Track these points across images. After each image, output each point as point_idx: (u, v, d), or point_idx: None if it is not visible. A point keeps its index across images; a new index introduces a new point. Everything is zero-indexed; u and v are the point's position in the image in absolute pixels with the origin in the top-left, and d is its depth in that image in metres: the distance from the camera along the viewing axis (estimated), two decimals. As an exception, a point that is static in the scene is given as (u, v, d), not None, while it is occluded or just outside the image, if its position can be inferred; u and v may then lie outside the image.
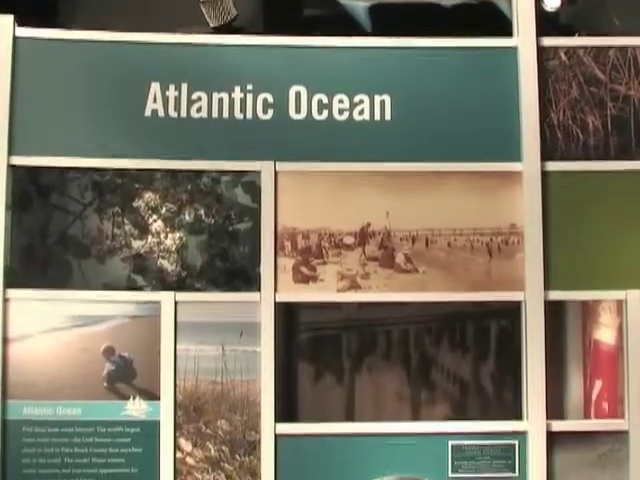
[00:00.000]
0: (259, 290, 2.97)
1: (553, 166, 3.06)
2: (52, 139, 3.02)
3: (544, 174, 3.05)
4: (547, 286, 3.02)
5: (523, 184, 3.03)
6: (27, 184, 3.01)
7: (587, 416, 3.09)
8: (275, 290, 2.97)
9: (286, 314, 3.00)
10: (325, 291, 2.99)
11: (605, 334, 3.41)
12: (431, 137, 3.04)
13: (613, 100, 3.11)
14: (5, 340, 2.96)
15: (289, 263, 2.99)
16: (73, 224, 3.00)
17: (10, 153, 3.01)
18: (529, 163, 3.03)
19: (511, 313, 3.05)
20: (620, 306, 3.09)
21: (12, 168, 3.01)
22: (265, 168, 3.00)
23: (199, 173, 3.05)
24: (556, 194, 3.05)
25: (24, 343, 2.98)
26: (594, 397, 3.41)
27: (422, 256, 3.01)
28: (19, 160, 3.01)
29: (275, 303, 2.97)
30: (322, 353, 3.03)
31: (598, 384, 3.39)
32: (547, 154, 3.07)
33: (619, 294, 3.05)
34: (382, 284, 3.00)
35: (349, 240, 3.00)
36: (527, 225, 3.02)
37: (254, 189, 3.00)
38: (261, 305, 2.96)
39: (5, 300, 2.96)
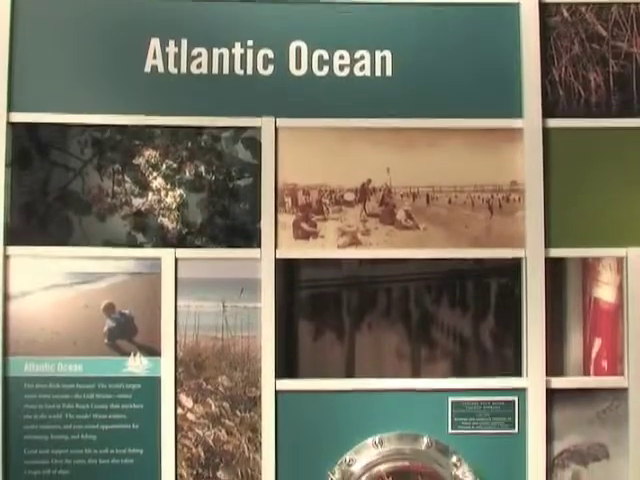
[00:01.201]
0: (259, 246, 2.92)
1: (554, 123, 3.00)
2: (51, 95, 2.97)
3: (545, 131, 2.99)
4: (548, 243, 2.97)
5: (524, 141, 2.96)
6: (26, 141, 2.94)
7: (586, 374, 3.05)
8: (275, 246, 2.92)
9: (286, 271, 2.95)
10: (325, 247, 2.94)
11: (605, 292, 3.36)
12: (432, 93, 2.99)
13: (615, 57, 3.05)
14: (5, 297, 2.92)
15: (289, 219, 2.94)
16: (73, 181, 2.94)
17: (9, 110, 2.92)
18: (530, 120, 2.98)
19: (511, 271, 3.00)
20: (620, 264, 3.03)
21: (11, 125, 2.92)
22: (266, 124, 2.94)
23: (199, 130, 2.99)
24: (557, 151, 3.00)
25: (24, 300, 2.94)
26: (594, 355, 3.37)
27: (423, 213, 2.95)
28: (18, 117, 2.96)
29: (275, 259, 2.91)
30: (322, 310, 2.98)
31: (598, 342, 3.35)
32: (548, 111, 3.02)
33: (620, 251, 3.00)
34: (382, 240, 2.94)
35: (349, 196, 2.95)
36: (528, 182, 2.96)
37: (254, 145, 2.94)
38: (261, 261, 2.91)
39: (5, 257, 2.92)
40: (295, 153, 2.97)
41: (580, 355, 3.47)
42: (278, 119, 2.97)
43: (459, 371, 3.03)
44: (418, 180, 2.98)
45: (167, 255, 2.95)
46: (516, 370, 3.02)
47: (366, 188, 2.97)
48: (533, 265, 2.95)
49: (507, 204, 2.99)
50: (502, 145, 3.00)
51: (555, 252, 2.99)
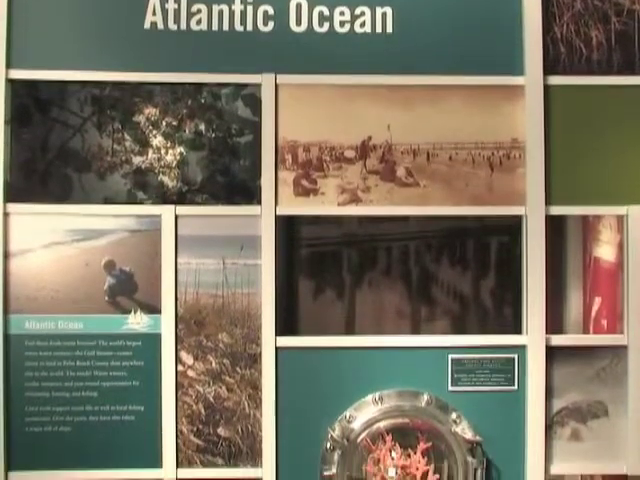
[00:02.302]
0: (260, 203, 2.88)
1: (556, 80, 2.96)
2: (50, 52, 2.92)
3: (546, 88, 2.95)
4: (548, 201, 2.93)
5: (525, 98, 2.91)
6: (25, 98, 2.89)
7: (586, 332, 3.03)
8: (276, 203, 2.88)
9: (287, 228, 2.90)
10: (326, 204, 2.90)
11: (605, 251, 3.32)
12: (433, 50, 2.94)
13: (617, 14, 2.99)
14: (6, 255, 2.88)
15: (290, 176, 2.89)
16: (73, 138, 2.90)
17: (8, 67, 2.87)
18: (531, 77, 2.93)
19: (511, 229, 2.96)
20: (621, 223, 2.98)
21: (10, 82, 2.88)
22: (266, 81, 2.89)
23: (199, 88, 2.94)
24: (558, 108, 2.95)
25: (25, 257, 2.90)
26: (593, 314, 3.33)
27: (423, 170, 2.91)
28: (17, 74, 2.91)
29: (276, 216, 2.87)
30: (323, 268, 2.95)
31: (597, 301, 3.31)
32: (550, 68, 2.97)
33: (620, 209, 2.95)
34: (383, 198, 2.90)
35: (350, 153, 2.90)
36: (529, 139, 2.92)
37: (254, 102, 2.89)
38: (262, 218, 2.87)
39: (5, 214, 2.89)
40: (295, 110, 2.93)
41: (580, 314, 3.43)
42: (278, 76, 2.93)
43: (459, 329, 3.00)
44: (419, 137, 2.94)
45: (167, 212, 2.91)
46: (516, 328, 2.98)
47: (366, 145, 2.93)
48: (533, 222, 2.91)
49: (508, 161, 2.94)
50: (503, 102, 2.95)
51: (555, 210, 2.94)
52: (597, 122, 2.98)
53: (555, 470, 3.00)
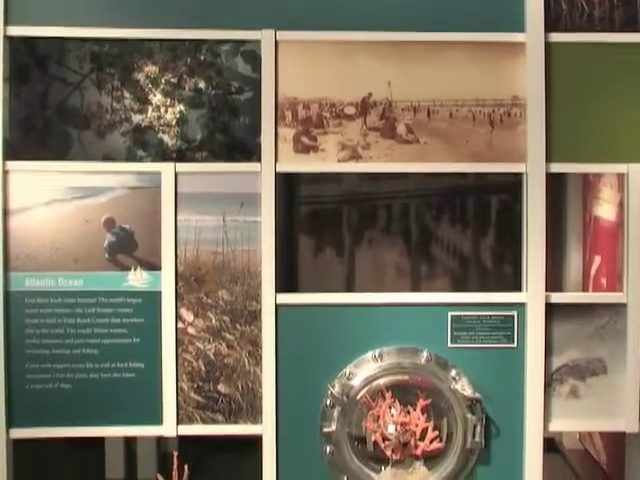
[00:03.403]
0: (259, 160, 2.83)
1: (557, 37, 2.91)
2: (49, 8, 2.88)
3: (547, 45, 2.90)
4: (549, 158, 2.88)
5: (526, 55, 2.86)
6: (24, 55, 2.84)
7: (585, 291, 2.97)
8: (276, 160, 2.84)
9: (287, 186, 2.86)
10: (326, 161, 2.86)
11: (605, 210, 3.29)
12: (434, 6, 2.89)
13: (620, -30, 2.93)
14: (5, 212, 2.85)
15: (290, 133, 2.85)
16: (72, 95, 2.85)
17: (6, 24, 2.82)
18: (532, 34, 2.88)
19: (512, 187, 2.91)
20: (621, 181, 2.94)
21: (8, 39, 2.82)
22: (265, 37, 2.85)
23: (198, 46, 2.89)
24: (559, 66, 2.91)
25: (25, 215, 2.87)
26: (593, 272, 3.30)
27: (423, 127, 2.86)
28: (15, 31, 2.86)
29: (275, 173, 2.82)
30: (323, 226, 2.90)
31: (597, 260, 3.28)
32: (551, 25, 2.92)
33: (621, 167, 2.90)
34: (383, 154, 2.85)
35: (350, 110, 2.86)
36: (530, 97, 2.88)
37: (254, 59, 2.85)
38: (261, 175, 2.83)
39: (5, 172, 2.84)
40: (295, 66, 2.88)
41: (579, 273, 3.41)
42: (278, 32, 2.89)
43: (459, 286, 2.96)
44: (419, 94, 2.89)
45: (167, 169, 2.87)
46: (516, 285, 2.94)
47: (367, 102, 2.88)
48: (534, 180, 2.88)
49: (508, 118, 2.90)
50: (504, 59, 2.90)
51: (556, 167, 2.90)
52: (598, 79, 2.93)
53: (554, 427, 2.98)
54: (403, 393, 2.88)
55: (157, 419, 2.89)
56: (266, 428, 2.88)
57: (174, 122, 2.90)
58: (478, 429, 2.86)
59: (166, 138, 2.89)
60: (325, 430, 2.88)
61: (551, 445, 4.50)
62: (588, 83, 2.92)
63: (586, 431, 4.59)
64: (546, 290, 2.90)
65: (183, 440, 3.97)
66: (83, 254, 2.87)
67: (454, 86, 2.89)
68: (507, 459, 2.93)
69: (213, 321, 2.88)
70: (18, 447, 2.91)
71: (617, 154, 2.92)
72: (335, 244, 2.86)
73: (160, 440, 5.09)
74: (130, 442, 5.23)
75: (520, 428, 2.92)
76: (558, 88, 2.91)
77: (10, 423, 2.88)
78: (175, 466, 2.71)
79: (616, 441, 4.23)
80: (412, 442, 2.85)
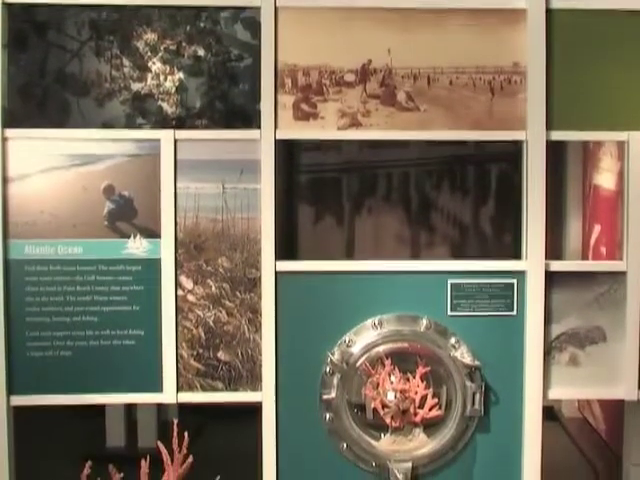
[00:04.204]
0: (259, 127, 2.79)
1: (558, 4, 2.89)
2: (47, -26, 2.78)
3: (548, 12, 2.87)
4: (549, 126, 2.84)
5: (527, 22, 2.83)
6: (22, 22, 2.80)
7: (585, 259, 2.94)
8: (275, 127, 2.80)
9: (287, 154, 2.82)
10: (325, 128, 2.83)
11: (605, 179, 3.25)
12: (434, -28, 2.81)
13: None
14: (5, 180, 2.82)
15: (289, 100, 2.81)
16: (71, 62, 2.81)
17: (4, -10, 2.78)
18: (533, 0, 2.80)
19: (512, 156, 2.88)
20: (621, 150, 2.91)
21: (7, 6, 2.79)
22: (265, 3, 2.82)
23: (198, 13, 2.84)
24: (560, 33, 2.88)
25: (24, 182, 2.84)
26: (592, 242, 3.27)
27: (424, 94, 2.83)
28: (14, -3, 2.79)
29: (275, 140, 2.79)
30: (323, 193, 2.87)
31: (597, 229, 3.25)
32: (552, -9, 2.84)
33: (621, 135, 2.87)
34: (383, 122, 2.82)
35: (350, 77, 2.82)
36: (530, 64, 2.84)
37: (254, 25, 2.81)
38: (261, 142, 2.80)
39: (4, 140, 2.80)
40: (295, 33, 2.84)
41: (579, 242, 3.38)
42: (278, -2, 2.82)
43: (459, 255, 2.93)
44: (419, 61, 2.85)
45: (166, 136, 2.84)
46: (515, 253, 2.91)
47: (366, 69, 2.84)
48: (534, 147, 2.85)
49: (509, 86, 2.86)
50: (505, 26, 2.87)
51: (556, 135, 2.87)
52: (599, 46, 2.90)
53: (553, 395, 2.95)
54: (402, 360, 2.86)
55: (157, 386, 2.87)
56: (266, 395, 2.86)
57: (173, 90, 2.86)
58: (477, 397, 2.84)
59: (165, 106, 2.86)
60: (325, 397, 2.86)
61: (550, 413, 4.50)
62: (589, 50, 2.89)
63: (585, 399, 4.58)
64: (546, 258, 2.85)
65: (183, 409, 3.97)
66: (82, 221, 2.84)
67: (454, 53, 2.86)
68: (506, 427, 2.92)
69: (213, 289, 2.86)
70: (19, 416, 2.88)
71: (618, 122, 2.89)
72: (335, 212, 2.83)
73: (160, 409, 5.09)
74: (130, 411, 5.23)
75: (519, 396, 2.90)
76: (559, 55, 2.88)
77: (10, 390, 2.86)
78: (175, 434, 2.67)
79: (615, 410, 4.22)
80: (411, 409, 2.83)
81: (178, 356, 2.87)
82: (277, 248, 2.84)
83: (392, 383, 2.82)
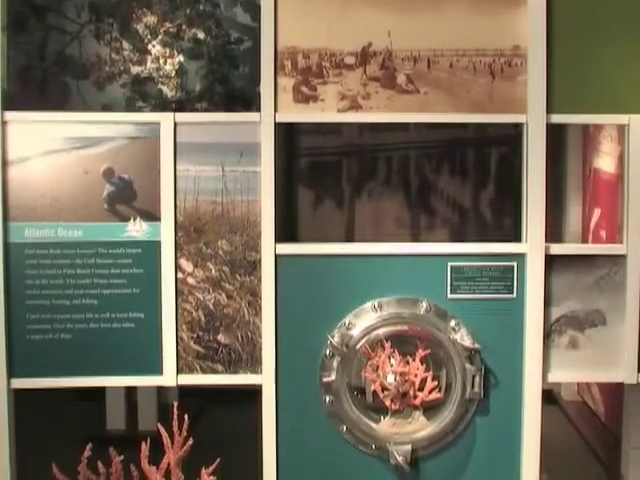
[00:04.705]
0: (259, 110, 2.77)
1: (558, -14, 2.81)
2: (46, -44, 2.76)
3: (549, -6, 2.80)
4: (549, 109, 2.81)
5: (527, 4, 2.80)
6: (22, 4, 2.77)
7: (585, 243, 2.91)
8: (275, 110, 2.78)
9: (287, 137, 2.80)
10: (325, 111, 2.81)
11: (605, 162, 3.23)
12: (434, -46, 2.79)
13: None
14: (4, 163, 2.80)
15: (289, 83, 2.79)
16: (70, 44, 2.79)
17: (3, -28, 2.75)
18: (534, -17, 2.78)
19: (511, 139, 2.86)
20: (622, 133, 2.88)
21: (6, -13, 2.76)
22: (265, -15, 2.76)
23: (197, -6, 2.80)
24: (561, 15, 2.85)
25: (24, 166, 2.83)
26: (592, 225, 3.25)
27: (424, 77, 2.81)
28: (13, -21, 2.76)
29: (275, 123, 2.76)
30: (323, 177, 2.85)
31: (597, 212, 3.23)
32: (552, -26, 2.81)
33: (622, 118, 2.84)
34: (383, 105, 2.80)
35: (350, 60, 2.80)
36: (530, 46, 2.82)
37: (253, 8, 2.80)
38: (261, 125, 2.77)
39: (3, 123, 2.78)
40: (295, 15, 2.82)
41: (579, 225, 3.36)
42: (278, -20, 2.80)
43: (459, 237, 2.91)
44: (419, 43, 2.83)
45: (166, 119, 2.82)
46: (516, 236, 2.89)
47: (367, 51, 2.82)
48: (534, 130, 2.83)
49: (509, 69, 2.83)
50: (505, 8, 2.85)
51: (556, 118, 2.85)
52: (600, 29, 2.88)
53: (552, 378, 2.94)
54: (402, 343, 2.85)
55: (157, 369, 2.86)
56: (266, 378, 2.85)
57: (173, 73, 2.85)
58: (477, 379, 2.83)
59: (165, 89, 2.84)
60: (324, 380, 2.85)
61: (549, 397, 4.49)
62: (590, 33, 2.86)
63: (584, 383, 4.57)
64: (546, 241, 2.83)
65: (183, 391, 3.96)
66: (82, 204, 2.83)
67: (455, 36, 2.83)
68: (506, 409, 2.90)
69: (213, 271, 2.84)
70: (20, 399, 2.87)
71: (618, 105, 2.86)
72: (335, 195, 2.81)
73: (160, 392, 5.08)
74: (131, 394, 5.22)
75: (519, 379, 2.89)
76: (559, 38, 2.85)
77: (11, 373, 2.85)
78: (175, 417, 2.66)
79: (614, 393, 4.21)
80: (411, 392, 2.81)
81: (178, 339, 2.86)
82: (277, 231, 2.82)
83: (392, 366, 2.81)
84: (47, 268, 2.85)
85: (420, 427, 2.88)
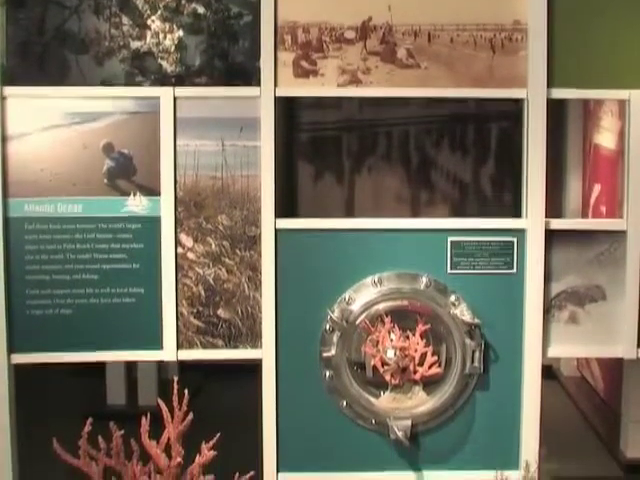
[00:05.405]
0: (259, 84, 2.74)
1: (559, -40, 2.78)
2: None
3: (550, -32, 2.77)
4: (550, 84, 2.79)
5: (528, -21, 2.75)
6: (21, -22, 2.73)
7: (585, 218, 2.89)
8: (275, 84, 2.76)
9: (286, 112, 2.77)
10: (325, 86, 2.78)
11: (606, 138, 3.20)
12: None
13: None
14: (4, 138, 2.78)
15: (289, 57, 2.77)
16: (70, 19, 2.74)
17: (2, -54, 2.72)
18: (534, -43, 2.75)
19: (511, 114, 2.83)
20: (622, 108, 2.85)
21: (5, -38, 2.73)
22: (264, -42, 2.73)
23: (197, -29, 2.77)
24: (561, -10, 2.78)
25: (23, 141, 2.81)
26: (592, 201, 3.23)
27: (424, 51, 2.78)
28: (12, -47, 2.73)
29: (275, 97, 2.74)
30: (323, 152, 2.83)
31: (597, 188, 3.21)
32: (553, -53, 2.78)
33: (622, 93, 2.81)
34: (383, 79, 2.77)
35: (350, 34, 2.77)
36: (531, 21, 2.79)
37: (253, -18, 2.73)
38: (261, 99, 2.75)
39: (2, 98, 2.75)
40: (295, -10, 2.77)
41: (579, 201, 3.33)
42: (277, -47, 2.77)
43: (459, 213, 2.89)
44: (419, 18, 2.80)
45: (166, 94, 2.81)
46: (516, 211, 2.87)
47: (367, 26, 2.79)
48: (535, 105, 2.80)
49: (510, 43, 2.81)
50: (506, -17, 2.79)
51: (557, 93, 2.82)
52: (601, 4, 2.85)
53: (552, 353, 2.93)
54: (402, 318, 2.83)
55: (157, 344, 2.84)
56: (266, 353, 2.84)
57: (173, 48, 2.81)
58: (477, 354, 2.82)
59: (165, 64, 2.81)
60: (324, 355, 2.83)
61: (549, 372, 4.48)
62: (591, 8, 2.84)
63: (584, 359, 4.56)
64: (546, 217, 2.81)
65: (183, 367, 3.95)
66: (82, 179, 2.81)
67: (455, 10, 2.81)
68: (506, 384, 2.89)
69: (213, 246, 2.82)
70: (20, 374, 2.85)
71: (619, 80, 2.84)
72: (335, 170, 2.79)
73: (160, 367, 5.07)
74: (131, 369, 5.21)
75: (519, 353, 2.87)
76: (560, 13, 2.83)
77: (11, 348, 2.83)
78: (175, 391, 2.64)
79: (613, 369, 4.20)
80: (411, 367, 2.80)
81: (178, 314, 2.84)
82: (277, 206, 2.80)
83: (392, 341, 2.80)
84: (47, 243, 2.83)
85: (420, 402, 2.87)
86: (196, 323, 2.85)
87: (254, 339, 2.86)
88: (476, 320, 2.82)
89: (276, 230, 2.81)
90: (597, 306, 2.91)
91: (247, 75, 2.80)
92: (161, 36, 2.82)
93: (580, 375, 4.92)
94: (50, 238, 2.83)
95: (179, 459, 2.53)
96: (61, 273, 2.84)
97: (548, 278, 2.87)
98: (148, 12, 2.82)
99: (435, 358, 2.84)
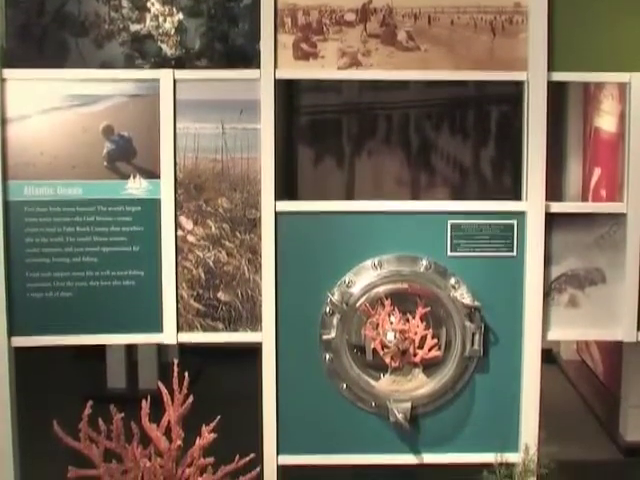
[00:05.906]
0: (259, 67, 2.72)
1: (560, -58, 2.75)
2: None
3: (550, -51, 2.74)
4: (550, 67, 2.77)
5: (529, -39, 2.73)
6: (20, -39, 2.71)
7: (585, 202, 2.87)
8: (275, 67, 2.74)
9: (286, 95, 2.75)
10: (325, 68, 2.76)
11: (606, 121, 3.19)
12: None
13: None
14: (4, 121, 2.76)
15: (289, 40, 2.75)
16: (69, 2, 2.73)
17: None
18: (535, -61, 2.73)
19: (512, 97, 2.81)
20: (622, 92, 2.83)
21: (4, -56, 2.71)
22: (264, -60, 2.71)
23: (197, -47, 2.74)
24: (562, -28, 2.76)
25: (23, 123, 2.80)
26: (592, 184, 3.21)
27: (424, 34, 2.76)
28: None
29: (275, 80, 2.72)
30: (323, 135, 2.81)
31: (597, 172, 3.19)
32: None
33: (623, 76, 2.79)
34: (383, 62, 2.76)
35: (350, 17, 2.75)
36: (532, 4, 2.77)
37: (253, -36, 2.71)
38: (261, 81, 2.73)
39: (2, 80, 2.73)
40: (295, -29, 2.75)
41: (579, 184, 3.32)
42: None
43: (459, 196, 2.87)
44: (420, 0, 2.77)
45: (165, 76, 2.79)
46: (516, 194, 2.86)
47: (367, 8, 2.77)
48: (535, 88, 2.79)
49: (510, 26, 2.79)
50: (506, -35, 2.76)
51: (557, 76, 2.81)
52: (602, -15, 2.79)
53: (552, 336, 2.92)
54: (402, 301, 2.82)
55: (157, 327, 2.83)
56: (266, 335, 2.83)
57: (173, 31, 2.79)
58: (477, 337, 2.81)
59: (165, 47, 2.80)
60: (324, 337, 2.82)
61: (549, 356, 4.46)
62: (591, -10, 2.79)
63: (584, 342, 4.55)
64: (546, 200, 2.79)
65: (183, 350, 3.94)
66: (82, 162, 2.80)
67: (455, -8, 2.76)
68: (505, 367, 2.88)
69: (213, 229, 2.81)
70: (20, 357, 2.84)
71: (619, 63, 2.83)
72: (335, 153, 2.77)
73: (161, 350, 5.06)
74: (131, 352, 5.20)
75: (519, 336, 2.86)
76: (560, -5, 2.78)
77: (11, 331, 2.82)
78: (175, 374, 2.63)
79: (613, 352, 4.19)
80: (411, 350, 2.79)
81: (178, 296, 2.83)
82: (277, 188, 2.78)
83: (392, 324, 2.79)
84: (47, 226, 2.82)
85: (420, 385, 2.86)
86: (196, 306, 2.84)
87: (254, 322, 2.85)
88: (476, 303, 2.80)
89: (276, 213, 2.79)
90: (597, 289, 2.90)
91: (247, 57, 2.78)
92: (161, 19, 2.80)
93: (580, 359, 4.91)
94: (50, 221, 2.82)
95: (179, 442, 2.52)
96: (61, 256, 2.82)
97: (548, 261, 2.86)
98: (147, -5, 2.79)
99: (435, 341, 2.83)
